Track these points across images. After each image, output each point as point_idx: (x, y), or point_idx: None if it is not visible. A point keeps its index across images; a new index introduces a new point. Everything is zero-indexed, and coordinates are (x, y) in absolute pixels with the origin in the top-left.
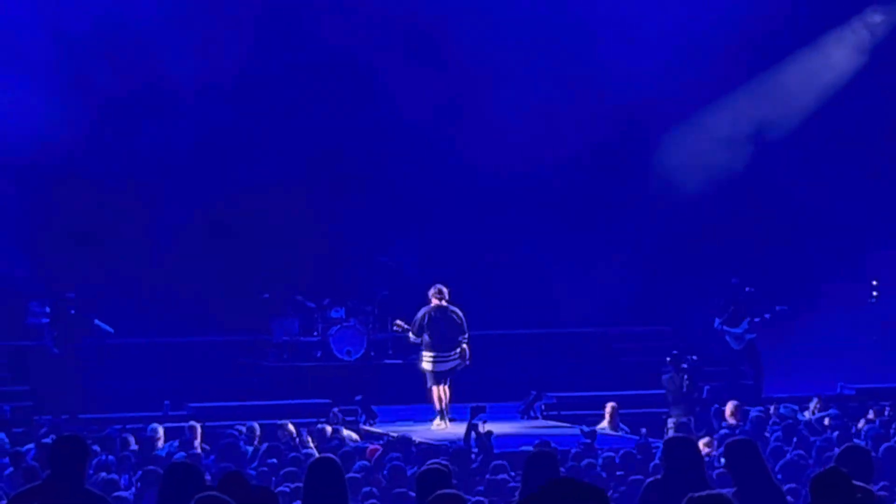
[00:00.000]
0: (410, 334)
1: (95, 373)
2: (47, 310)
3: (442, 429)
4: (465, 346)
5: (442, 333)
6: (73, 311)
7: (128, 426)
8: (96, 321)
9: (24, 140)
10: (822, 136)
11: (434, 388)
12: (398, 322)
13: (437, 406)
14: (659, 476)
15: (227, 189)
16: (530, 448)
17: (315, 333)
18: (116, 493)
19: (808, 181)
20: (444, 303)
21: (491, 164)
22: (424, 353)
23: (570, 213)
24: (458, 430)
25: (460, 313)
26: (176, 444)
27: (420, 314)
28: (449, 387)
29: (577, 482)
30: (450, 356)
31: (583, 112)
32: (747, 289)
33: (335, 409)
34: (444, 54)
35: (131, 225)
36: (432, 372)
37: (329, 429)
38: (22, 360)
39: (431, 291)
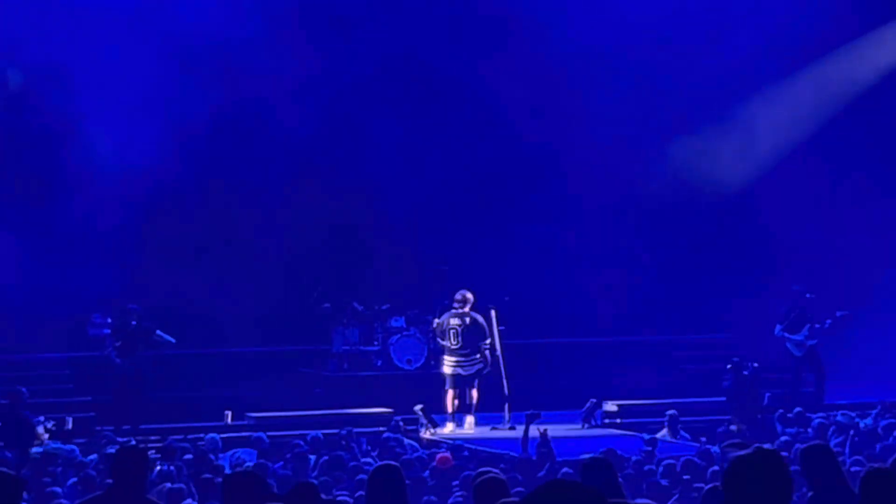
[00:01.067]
0: (439, 340)
1: (157, 383)
2: (109, 320)
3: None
4: (486, 352)
5: (465, 339)
6: (134, 323)
7: (189, 436)
8: (158, 332)
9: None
10: (877, 132)
11: (450, 392)
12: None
13: (450, 409)
14: (718, 484)
15: (289, 199)
16: (590, 455)
17: (375, 343)
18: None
19: (869, 183)
20: (467, 308)
21: (557, 177)
22: (446, 358)
23: (630, 221)
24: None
25: (481, 320)
26: (238, 453)
27: (443, 319)
28: (477, 390)
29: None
30: (472, 361)
31: (651, 116)
32: (808, 295)
33: (396, 419)
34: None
35: (197, 237)
36: (451, 376)
37: (391, 436)
38: (84, 372)
39: (457, 297)
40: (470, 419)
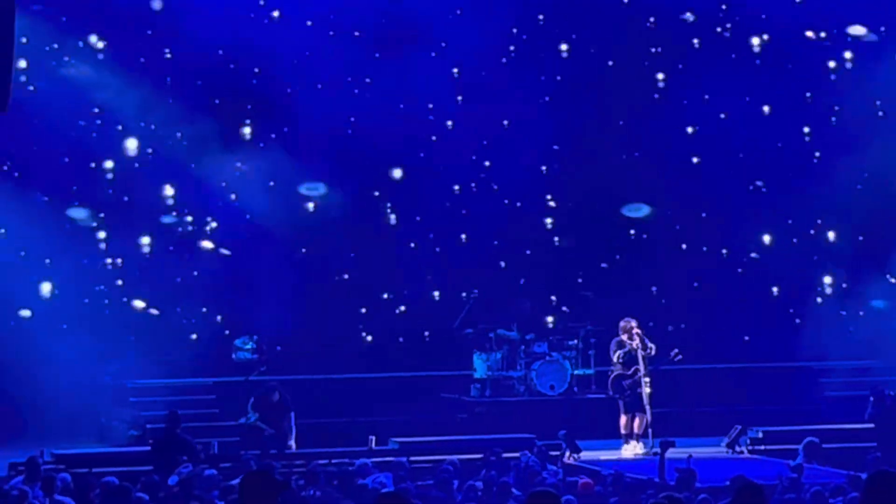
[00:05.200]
0: (619, 364)
1: (302, 409)
2: (252, 346)
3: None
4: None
5: (639, 364)
6: (278, 348)
7: (333, 461)
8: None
9: None
10: None
11: (625, 416)
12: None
13: (625, 431)
14: None
15: (437, 225)
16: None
17: (518, 368)
18: None
19: None
20: (635, 332)
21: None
22: (626, 382)
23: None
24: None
25: (651, 345)
26: (380, 477)
27: (625, 348)
28: (650, 414)
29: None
30: (646, 384)
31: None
32: None
33: (539, 444)
34: None
35: (341, 263)
36: (632, 400)
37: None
38: (230, 396)
39: (633, 324)
40: (639, 443)
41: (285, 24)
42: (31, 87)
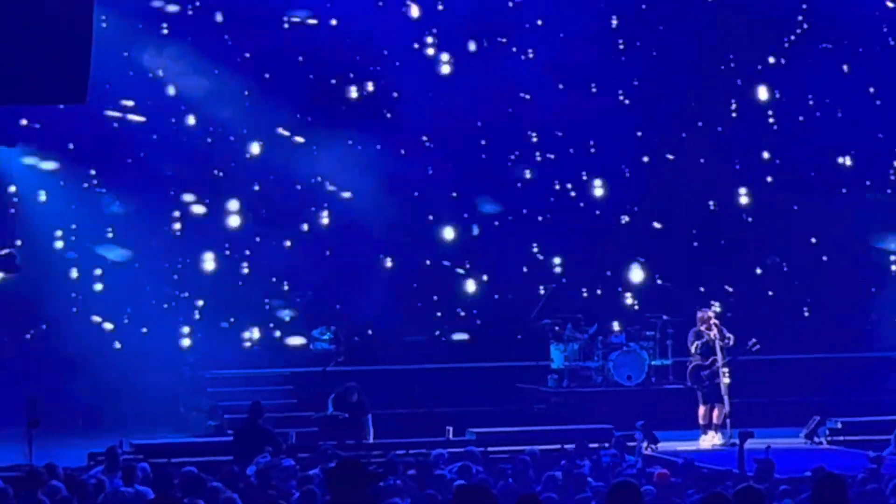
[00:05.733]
0: (697, 354)
1: (380, 400)
2: (330, 336)
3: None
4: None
5: (717, 354)
6: (356, 338)
7: (411, 451)
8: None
9: None
10: None
11: (704, 407)
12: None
13: (704, 421)
14: None
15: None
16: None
17: (595, 358)
18: None
19: None
20: (713, 323)
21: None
22: (705, 373)
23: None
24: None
25: (729, 335)
26: (455, 468)
27: (703, 339)
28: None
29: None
30: (724, 374)
31: None
32: None
33: (617, 435)
34: None
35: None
36: (710, 391)
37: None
38: (308, 387)
39: (711, 314)
40: (717, 433)
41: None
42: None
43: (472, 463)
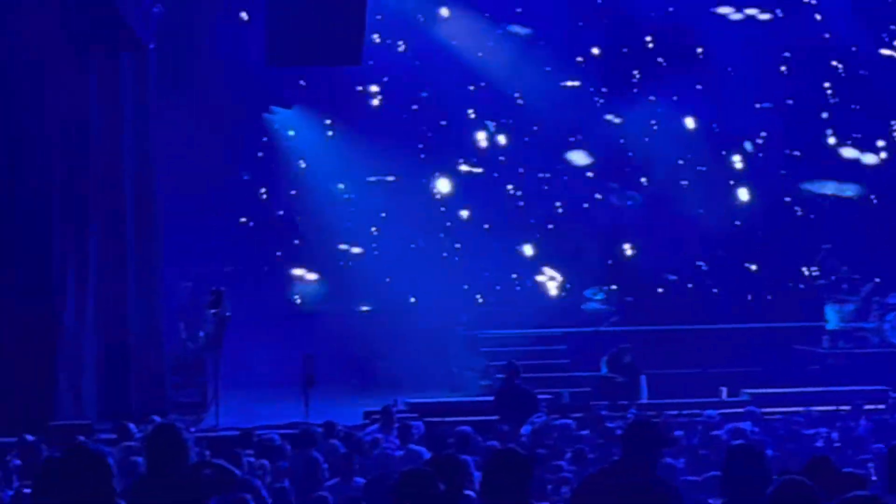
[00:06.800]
0: None
1: (655, 360)
2: (602, 296)
3: None
4: None
5: None
6: (629, 298)
7: (684, 412)
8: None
9: None
10: None
11: None
12: None
13: None
14: None
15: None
16: None
17: (871, 319)
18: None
19: None
20: None
21: None
22: None
23: None
24: None
25: None
26: (736, 427)
27: None
28: None
29: None
30: None
31: None
32: None
33: (893, 396)
34: None
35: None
36: None
37: None
38: (580, 347)
39: None
40: None
41: None
42: None
43: (751, 423)
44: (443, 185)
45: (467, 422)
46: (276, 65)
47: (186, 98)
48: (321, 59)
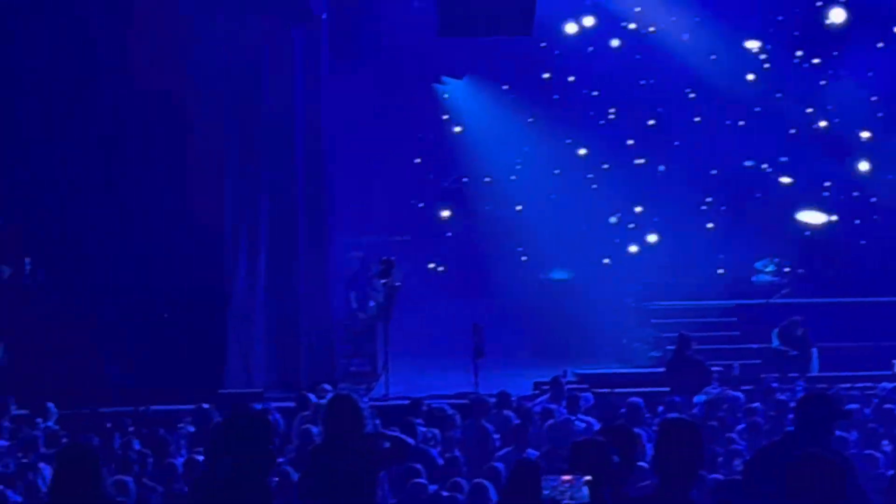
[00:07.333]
0: None
1: (824, 333)
2: (773, 268)
3: None
4: None
5: None
6: (801, 270)
7: (856, 385)
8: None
9: None
10: None
11: None
12: None
13: None
14: None
15: None
16: None
17: None
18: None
19: None
20: None
21: None
22: None
23: None
24: None
25: None
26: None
27: None
28: None
29: None
30: None
31: None
32: None
33: None
34: None
35: None
36: None
37: None
38: (751, 319)
39: None
40: None
41: None
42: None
43: None
44: None
45: (637, 393)
46: (448, 35)
47: (358, 69)
48: (493, 29)
